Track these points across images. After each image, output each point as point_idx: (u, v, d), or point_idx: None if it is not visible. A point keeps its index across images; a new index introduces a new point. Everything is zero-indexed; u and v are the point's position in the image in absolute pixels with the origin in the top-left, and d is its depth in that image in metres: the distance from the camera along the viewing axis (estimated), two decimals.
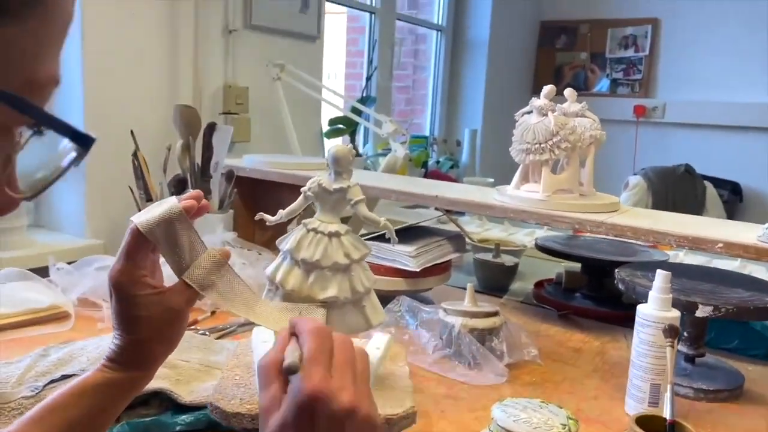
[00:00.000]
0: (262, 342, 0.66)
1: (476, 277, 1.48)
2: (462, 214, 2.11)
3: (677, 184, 2.73)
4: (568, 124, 1.11)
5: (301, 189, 0.61)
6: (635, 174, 2.83)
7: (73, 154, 0.33)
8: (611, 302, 1.31)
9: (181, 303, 0.54)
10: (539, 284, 1.43)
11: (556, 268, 1.47)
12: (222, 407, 0.56)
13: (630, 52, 3.56)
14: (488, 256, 1.47)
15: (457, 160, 3.08)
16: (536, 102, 1.12)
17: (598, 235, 1.59)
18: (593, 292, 1.34)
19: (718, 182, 3.08)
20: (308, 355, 0.43)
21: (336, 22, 2.77)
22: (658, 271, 0.86)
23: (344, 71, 3.03)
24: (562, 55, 3.77)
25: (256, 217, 0.63)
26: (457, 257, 1.32)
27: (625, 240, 1.53)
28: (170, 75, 1.64)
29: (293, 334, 0.47)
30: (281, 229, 1.69)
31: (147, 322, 0.53)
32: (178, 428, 0.73)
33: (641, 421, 0.66)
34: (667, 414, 0.66)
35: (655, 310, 0.85)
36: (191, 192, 0.56)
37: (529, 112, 1.14)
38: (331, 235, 0.59)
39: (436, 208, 1.85)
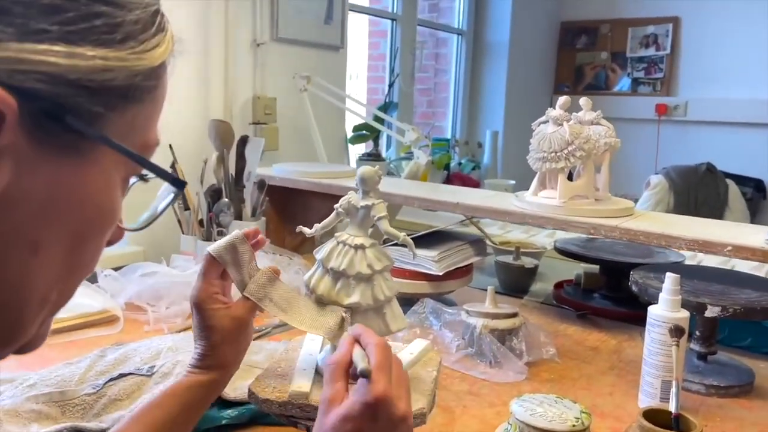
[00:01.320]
0: (310, 339, 0.73)
1: (497, 279, 1.53)
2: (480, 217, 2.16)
3: (699, 182, 2.74)
4: (582, 133, 1.16)
5: (334, 206, 0.68)
6: (657, 173, 2.85)
7: (172, 195, 0.43)
8: (628, 302, 1.35)
9: (243, 314, 0.65)
10: (559, 285, 1.48)
11: (575, 269, 1.52)
12: (256, 392, 0.64)
13: (651, 51, 3.56)
14: (509, 259, 1.52)
15: (479, 162, 3.13)
16: (552, 112, 1.18)
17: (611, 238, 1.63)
18: (611, 292, 1.39)
19: (741, 180, 3.08)
20: (377, 364, 0.53)
21: (358, 24, 2.84)
22: (668, 273, 0.91)
23: (366, 74, 3.10)
24: (582, 55, 3.79)
25: (297, 230, 0.70)
26: (479, 260, 1.38)
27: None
28: (203, 88, 1.72)
29: (356, 341, 0.56)
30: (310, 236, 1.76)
31: (219, 330, 0.64)
32: (224, 421, 0.80)
33: (648, 414, 0.72)
34: (672, 408, 0.72)
35: (664, 310, 0.90)
36: (252, 227, 0.71)
37: (546, 122, 1.19)
38: (356, 247, 0.66)
39: (462, 221, 1.91)
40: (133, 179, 0.42)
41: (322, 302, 0.66)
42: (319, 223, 0.70)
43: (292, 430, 0.80)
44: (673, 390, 0.73)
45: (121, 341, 1.01)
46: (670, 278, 0.90)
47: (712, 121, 3.36)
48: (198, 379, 0.64)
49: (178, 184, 0.41)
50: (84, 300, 1.16)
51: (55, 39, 0.33)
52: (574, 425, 0.76)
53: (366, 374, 0.51)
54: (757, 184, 3.21)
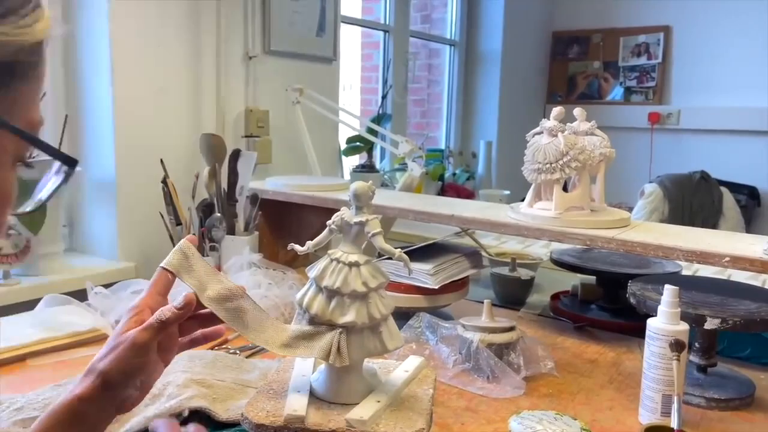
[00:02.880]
0: (302, 360, 0.71)
1: (493, 291, 1.52)
2: (475, 229, 2.15)
3: (694, 191, 2.74)
4: (577, 144, 1.15)
5: (327, 222, 0.67)
6: (651, 182, 2.85)
7: (62, 176, 0.42)
8: (626, 313, 1.33)
9: (138, 336, 0.60)
10: (555, 297, 1.47)
11: (571, 280, 1.51)
12: (250, 417, 0.62)
13: (643, 60, 3.58)
14: (505, 270, 1.51)
15: (473, 172, 3.13)
16: (546, 123, 1.17)
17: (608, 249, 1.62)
18: (609, 303, 1.37)
19: (735, 187, 3.08)
20: None
21: (351, 36, 2.84)
22: (666, 285, 0.89)
23: (360, 86, 3.10)
24: (574, 64, 3.80)
25: (288, 247, 0.68)
26: (475, 272, 1.37)
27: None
28: (195, 101, 1.71)
29: None
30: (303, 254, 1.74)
31: (115, 340, 0.61)
32: None
33: (651, 431, 0.70)
34: (674, 424, 0.70)
35: (663, 323, 0.89)
36: (188, 236, 0.69)
37: (540, 133, 1.19)
38: (351, 264, 0.64)
39: (458, 233, 1.90)
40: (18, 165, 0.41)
41: (315, 322, 0.65)
42: (312, 239, 0.68)
43: None
44: (675, 405, 0.71)
45: None
46: (668, 290, 0.89)
47: (705, 129, 3.38)
48: (73, 391, 0.58)
49: (70, 162, 0.40)
50: (73, 318, 1.13)
51: None
52: None
53: None
54: (750, 191, 3.21)
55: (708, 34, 3.37)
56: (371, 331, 0.64)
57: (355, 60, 3.04)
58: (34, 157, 0.41)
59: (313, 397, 0.66)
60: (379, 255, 0.96)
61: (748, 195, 3.19)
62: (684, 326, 0.88)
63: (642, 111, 3.54)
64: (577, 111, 1.26)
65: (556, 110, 1.17)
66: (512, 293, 1.49)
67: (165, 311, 0.61)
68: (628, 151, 3.29)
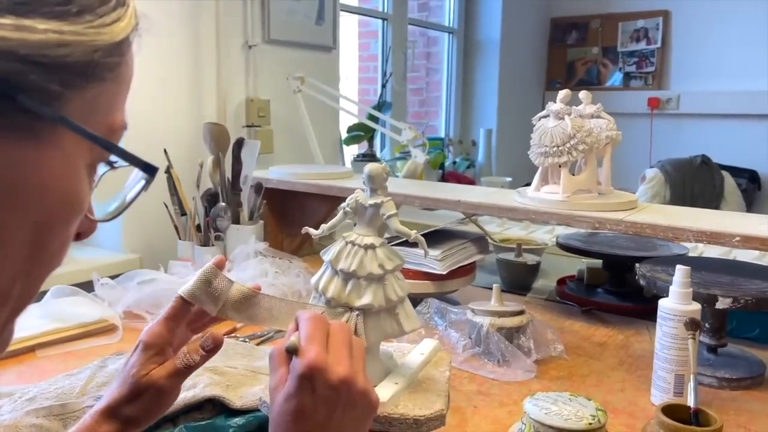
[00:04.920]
0: None
1: (499, 277, 1.52)
2: (481, 214, 2.15)
3: (695, 175, 2.74)
4: (584, 126, 1.15)
5: (341, 205, 0.66)
6: (652, 167, 2.85)
7: (143, 182, 0.40)
8: (633, 297, 1.34)
9: (163, 378, 0.57)
10: (561, 281, 1.47)
11: (577, 264, 1.51)
12: (268, 402, 0.61)
13: (642, 45, 3.57)
14: (511, 256, 1.51)
15: (474, 161, 3.12)
16: (553, 106, 1.16)
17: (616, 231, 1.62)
18: (615, 287, 1.37)
19: (735, 171, 3.08)
20: (306, 335, 0.50)
21: (347, 25, 2.82)
22: (678, 266, 0.89)
23: (357, 76, 3.08)
24: (573, 51, 3.79)
25: (303, 231, 0.68)
26: (482, 258, 1.37)
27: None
28: (196, 91, 1.70)
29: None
30: (308, 236, 1.74)
31: (146, 383, 0.57)
32: (231, 430, 0.78)
33: (667, 410, 0.70)
34: (691, 402, 0.70)
35: (676, 303, 0.89)
36: (218, 256, 0.64)
37: (546, 116, 1.18)
38: (366, 247, 0.64)
39: (461, 220, 1.90)
40: (103, 168, 0.39)
41: (332, 305, 0.64)
42: (316, 227, 0.68)
43: None
44: (691, 384, 0.71)
45: (121, 351, 0.99)
46: (680, 271, 0.89)
47: (705, 113, 3.37)
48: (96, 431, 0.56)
49: (150, 169, 0.38)
50: (81, 309, 1.13)
51: (3, 11, 0.31)
52: (590, 423, 0.74)
53: (291, 349, 0.49)
54: (751, 175, 3.22)
55: (707, 18, 3.36)
56: (388, 313, 0.64)
57: (353, 50, 3.02)
58: (115, 163, 0.39)
59: None
60: (390, 240, 0.96)
61: (748, 179, 3.19)
62: (696, 306, 0.88)
63: (641, 96, 3.53)
64: (583, 94, 1.25)
65: (563, 93, 1.17)
66: (518, 278, 1.49)
67: (193, 355, 0.58)
68: (628, 137, 3.25)
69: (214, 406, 0.80)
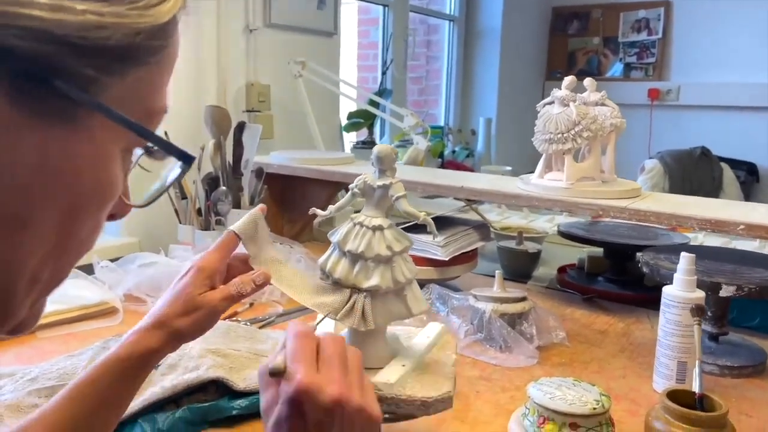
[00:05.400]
0: (321, 325, 0.71)
1: (500, 265, 1.51)
2: (482, 202, 2.14)
3: (694, 166, 2.74)
4: (589, 113, 1.14)
5: (349, 186, 0.66)
6: (651, 158, 2.85)
7: (179, 170, 0.39)
8: (634, 285, 1.34)
9: (218, 300, 0.62)
10: (562, 269, 1.47)
11: (577, 253, 1.51)
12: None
13: (643, 36, 3.55)
14: (512, 244, 1.51)
15: (473, 150, 3.12)
16: (557, 93, 1.16)
17: (618, 221, 1.63)
18: (616, 275, 1.38)
19: (734, 163, 3.08)
20: (290, 354, 0.47)
21: (347, 13, 2.80)
22: (683, 253, 0.89)
23: (356, 63, 3.06)
24: (574, 40, 3.78)
25: (310, 212, 0.67)
26: (483, 245, 1.36)
27: (645, 224, 1.57)
28: (196, 75, 1.68)
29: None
30: (308, 222, 1.73)
31: (196, 302, 0.61)
32: (234, 412, 0.78)
33: (672, 395, 0.70)
34: (696, 388, 0.70)
35: (680, 291, 0.88)
36: (262, 204, 0.70)
37: (551, 103, 1.17)
38: (374, 228, 0.63)
39: (456, 198, 1.89)
40: (138, 151, 0.38)
41: (339, 286, 0.64)
42: (321, 209, 0.68)
43: None
44: (696, 370, 0.71)
45: (122, 333, 0.98)
46: (685, 258, 0.89)
47: (705, 105, 3.37)
48: (143, 343, 0.58)
49: (185, 158, 0.37)
50: (81, 292, 1.12)
51: None
52: (594, 408, 0.75)
53: (275, 372, 0.46)
54: (749, 167, 3.22)
55: (709, 10, 3.35)
56: (395, 295, 0.64)
57: (352, 38, 3.00)
58: (152, 148, 0.38)
59: None
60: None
61: (746, 171, 3.19)
62: (700, 293, 0.88)
63: (641, 87, 3.52)
64: (588, 81, 1.25)
65: (568, 79, 1.16)
66: (519, 266, 1.49)
67: (246, 285, 0.62)
68: (628, 128, 3.25)
69: (217, 388, 0.80)
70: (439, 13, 3.33)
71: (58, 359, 0.86)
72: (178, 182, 0.41)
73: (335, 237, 0.65)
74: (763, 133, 3.20)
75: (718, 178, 2.80)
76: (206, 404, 0.77)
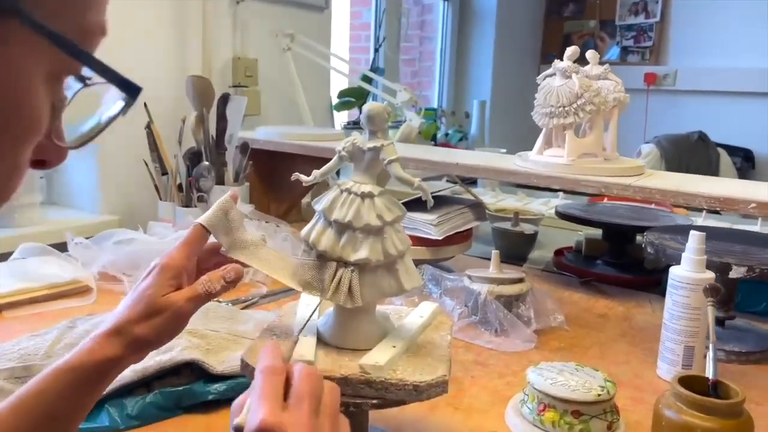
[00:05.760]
0: (305, 305, 0.65)
1: (495, 246, 1.46)
2: (474, 184, 2.08)
3: (691, 151, 2.70)
4: (592, 86, 1.08)
5: (336, 149, 0.59)
6: (647, 142, 2.80)
7: (121, 104, 0.32)
8: (633, 268, 1.30)
9: (183, 301, 0.56)
10: (559, 252, 1.42)
11: (573, 236, 1.46)
12: (252, 364, 0.55)
13: (640, 19, 3.49)
14: (507, 225, 1.45)
15: (466, 132, 3.05)
16: (559, 64, 1.09)
17: (616, 202, 1.57)
18: (615, 258, 1.33)
19: (730, 150, 3.04)
20: (256, 391, 0.42)
21: None
22: (692, 232, 0.84)
23: (348, 45, 2.98)
24: (570, 23, 3.70)
25: (293, 177, 0.61)
26: (475, 226, 1.31)
27: (645, 206, 1.52)
28: (179, 47, 1.60)
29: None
30: (296, 201, 1.67)
31: (160, 306, 0.55)
32: (210, 397, 0.72)
33: (683, 381, 0.65)
34: (710, 374, 0.65)
35: (689, 271, 0.83)
36: (231, 190, 0.64)
37: (552, 75, 1.11)
38: (364, 195, 0.57)
39: (448, 180, 1.84)
40: (75, 84, 0.32)
41: (324, 259, 0.58)
42: (308, 191, 0.62)
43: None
44: (710, 354, 0.66)
45: (94, 313, 0.92)
46: (694, 236, 0.83)
47: (702, 90, 3.32)
48: (99, 351, 0.52)
49: (130, 88, 0.31)
50: (51, 269, 1.06)
51: None
52: (599, 394, 0.69)
53: (237, 429, 0.41)
54: (746, 153, 3.18)
55: None
56: (386, 270, 0.58)
57: (344, 18, 2.91)
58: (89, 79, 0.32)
59: (321, 342, 0.59)
60: None
61: (743, 157, 3.15)
62: (709, 274, 0.83)
63: (638, 71, 3.46)
64: (590, 53, 1.19)
65: (571, 49, 1.10)
66: (515, 248, 1.43)
67: (215, 283, 0.57)
68: (624, 112, 3.22)
69: (192, 371, 0.74)
70: None
71: (20, 339, 0.79)
72: (119, 117, 0.33)
73: (320, 205, 0.59)
74: (760, 120, 3.15)
75: (715, 163, 2.76)
76: (180, 388, 0.71)
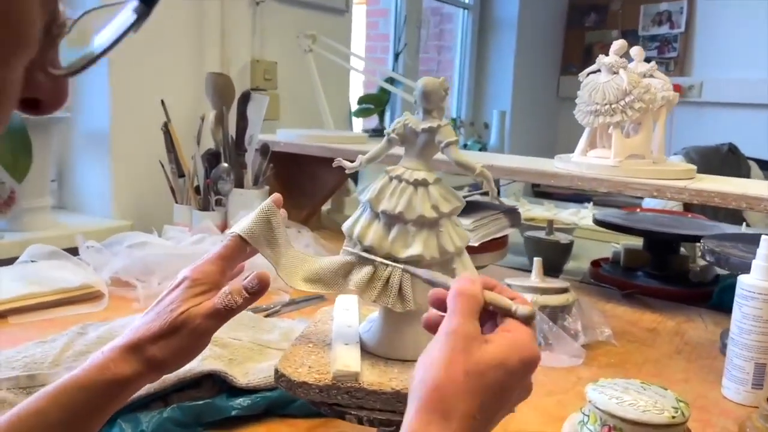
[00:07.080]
0: (344, 309, 0.57)
1: (527, 257, 1.38)
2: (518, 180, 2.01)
3: (721, 164, 2.60)
4: (641, 82, 1.01)
5: (385, 131, 0.52)
6: (676, 153, 2.71)
7: (134, 17, 0.26)
8: (678, 280, 1.22)
9: (198, 318, 0.50)
10: (595, 263, 1.34)
11: (608, 247, 1.38)
12: (288, 375, 0.48)
13: (664, 29, 3.41)
14: (540, 234, 1.37)
15: (486, 143, 2.98)
16: (606, 59, 1.02)
17: (648, 213, 1.49)
18: (657, 270, 1.25)
19: (761, 163, 2.94)
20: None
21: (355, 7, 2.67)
22: (764, 237, 0.76)
23: (364, 55, 2.93)
24: (592, 33, 3.63)
25: (334, 164, 0.54)
26: (513, 231, 1.23)
27: (683, 216, 1.44)
28: (197, 49, 1.55)
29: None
30: (316, 209, 1.59)
31: (182, 323, 0.49)
32: (233, 412, 0.64)
33: None
34: None
35: (761, 280, 0.75)
36: (275, 195, 0.57)
37: (597, 71, 1.04)
38: (417, 183, 0.50)
39: (470, 191, 1.76)
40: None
41: (371, 254, 0.50)
42: (326, 199, 0.55)
43: (320, 420, 0.65)
44: None
45: (106, 320, 0.85)
46: (766, 242, 0.75)
47: (728, 102, 3.23)
48: (111, 369, 0.46)
49: None
50: (62, 273, 0.99)
51: None
52: (673, 416, 0.61)
53: (531, 319, 0.43)
54: None
55: (733, 2, 3.21)
56: (441, 268, 0.50)
57: (360, 30, 2.86)
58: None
59: (364, 352, 0.52)
60: None
61: None
62: None
63: None
64: (635, 50, 1.12)
65: (618, 43, 1.03)
66: (549, 258, 1.33)
67: (236, 296, 0.50)
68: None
69: (213, 383, 0.67)
70: (454, 1, 3.20)
71: (26, 346, 0.73)
72: (130, 32, 0.26)
73: (366, 195, 0.52)
74: None
75: (746, 176, 2.66)
76: (200, 402, 0.64)
